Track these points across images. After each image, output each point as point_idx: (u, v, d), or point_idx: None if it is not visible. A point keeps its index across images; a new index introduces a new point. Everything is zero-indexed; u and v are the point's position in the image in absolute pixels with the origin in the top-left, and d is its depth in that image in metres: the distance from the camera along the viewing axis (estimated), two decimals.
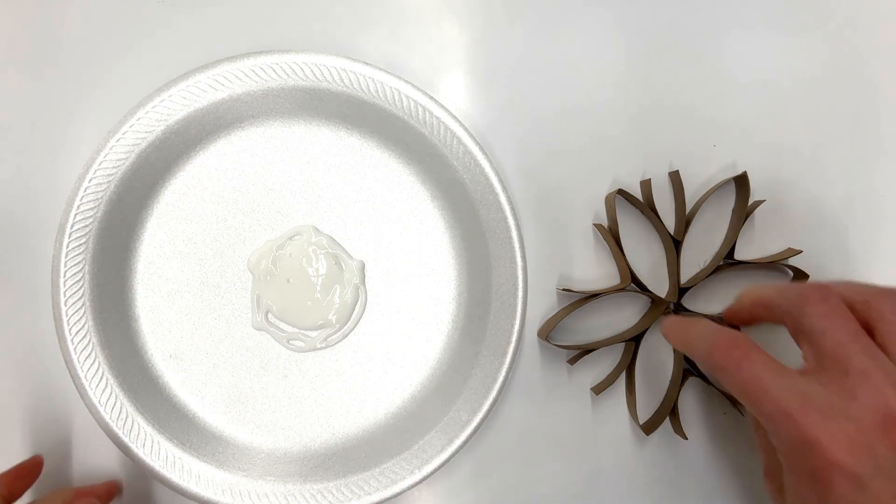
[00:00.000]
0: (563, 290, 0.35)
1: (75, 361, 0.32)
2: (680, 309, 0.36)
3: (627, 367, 0.35)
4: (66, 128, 0.36)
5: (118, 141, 0.33)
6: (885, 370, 0.22)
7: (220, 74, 0.33)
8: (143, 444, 0.33)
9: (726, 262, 0.35)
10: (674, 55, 0.37)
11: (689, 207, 0.36)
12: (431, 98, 0.34)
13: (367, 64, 0.33)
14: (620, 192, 0.35)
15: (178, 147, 0.34)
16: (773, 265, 0.36)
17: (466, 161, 0.34)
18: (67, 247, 0.32)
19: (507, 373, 0.33)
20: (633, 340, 0.35)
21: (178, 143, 0.34)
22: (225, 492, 0.33)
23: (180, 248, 0.35)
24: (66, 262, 0.32)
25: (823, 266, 0.37)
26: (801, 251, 0.35)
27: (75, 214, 0.32)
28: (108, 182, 0.33)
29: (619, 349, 0.36)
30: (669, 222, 0.36)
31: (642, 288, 0.35)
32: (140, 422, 0.33)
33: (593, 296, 0.35)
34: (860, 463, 0.21)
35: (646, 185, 0.35)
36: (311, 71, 0.33)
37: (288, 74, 0.33)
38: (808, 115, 0.37)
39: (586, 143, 0.37)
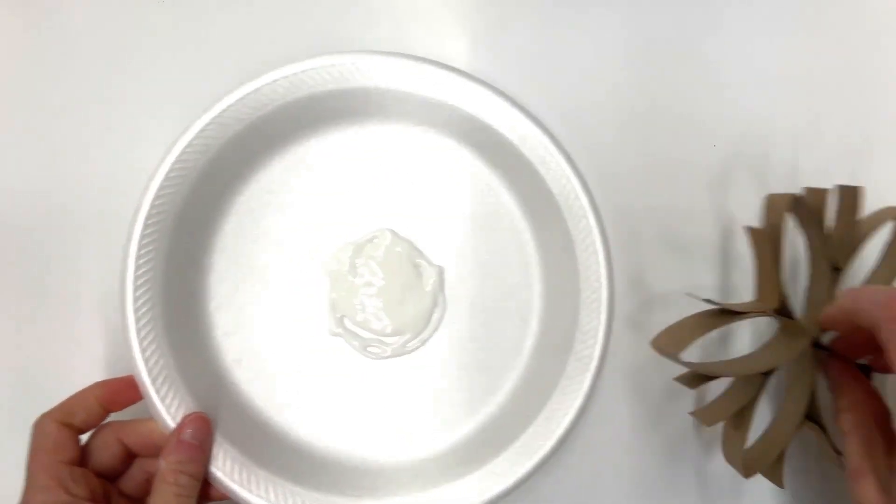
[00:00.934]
0: (705, 300, 0.30)
1: (140, 361, 0.31)
2: (819, 347, 0.31)
3: (750, 402, 0.31)
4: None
5: (195, 136, 0.32)
6: None
7: (308, 71, 0.32)
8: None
9: None
10: (673, 55, 0.37)
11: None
12: (518, 106, 0.33)
13: (460, 72, 0.33)
14: (797, 198, 0.30)
15: (257, 145, 0.33)
16: None
17: (554, 169, 0.33)
18: (140, 241, 0.31)
19: (589, 392, 0.32)
20: (766, 373, 0.31)
21: (258, 141, 0.33)
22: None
23: (255, 249, 0.34)
24: (137, 259, 0.31)
25: None
26: None
27: (150, 207, 0.31)
28: (183, 177, 0.31)
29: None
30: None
31: (788, 315, 0.31)
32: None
33: (735, 314, 0.29)
34: None
35: (819, 195, 0.32)
36: (403, 73, 0.33)
37: (376, 75, 0.33)
38: (808, 115, 0.37)
39: (584, 145, 0.35)
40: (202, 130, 0.31)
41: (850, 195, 0.32)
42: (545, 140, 0.33)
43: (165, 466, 0.29)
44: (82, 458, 0.29)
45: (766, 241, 0.32)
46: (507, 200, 0.35)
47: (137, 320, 0.30)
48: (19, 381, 0.34)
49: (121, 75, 0.35)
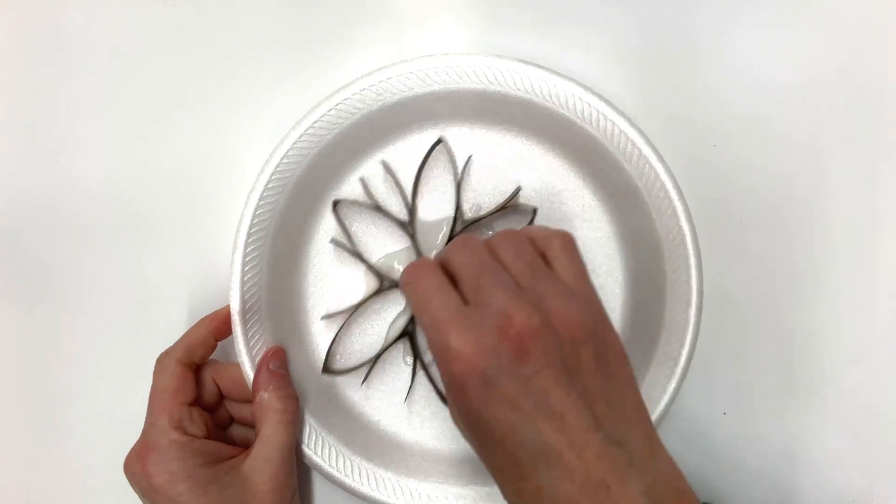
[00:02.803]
0: (323, 317, 0.35)
1: (245, 356, 0.33)
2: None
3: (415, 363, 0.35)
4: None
5: (299, 137, 0.33)
6: (506, 286, 0.25)
7: (392, 79, 0.33)
8: (315, 445, 0.33)
9: (464, 224, 0.35)
10: (673, 55, 0.37)
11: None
12: (606, 101, 0.33)
13: (542, 67, 0.33)
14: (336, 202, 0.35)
15: (347, 150, 0.35)
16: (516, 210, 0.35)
17: (640, 165, 0.33)
18: (245, 249, 0.33)
19: (676, 389, 0.32)
20: (405, 335, 0.35)
21: (349, 148, 0.35)
22: (387, 490, 0.33)
23: (347, 257, 0.36)
24: (243, 266, 0.33)
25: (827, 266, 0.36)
26: (520, 188, 0.35)
27: (252, 217, 0.33)
28: (282, 186, 0.34)
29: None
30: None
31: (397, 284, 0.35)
32: (311, 422, 0.34)
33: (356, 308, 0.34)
34: (487, 363, 0.24)
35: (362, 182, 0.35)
36: (485, 74, 0.33)
37: (469, 77, 0.34)
38: (808, 115, 0.36)
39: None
40: (295, 143, 0.33)
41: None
42: (634, 135, 0.33)
43: (269, 396, 0.32)
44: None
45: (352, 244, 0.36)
46: (588, 197, 0.35)
47: (244, 312, 0.33)
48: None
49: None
